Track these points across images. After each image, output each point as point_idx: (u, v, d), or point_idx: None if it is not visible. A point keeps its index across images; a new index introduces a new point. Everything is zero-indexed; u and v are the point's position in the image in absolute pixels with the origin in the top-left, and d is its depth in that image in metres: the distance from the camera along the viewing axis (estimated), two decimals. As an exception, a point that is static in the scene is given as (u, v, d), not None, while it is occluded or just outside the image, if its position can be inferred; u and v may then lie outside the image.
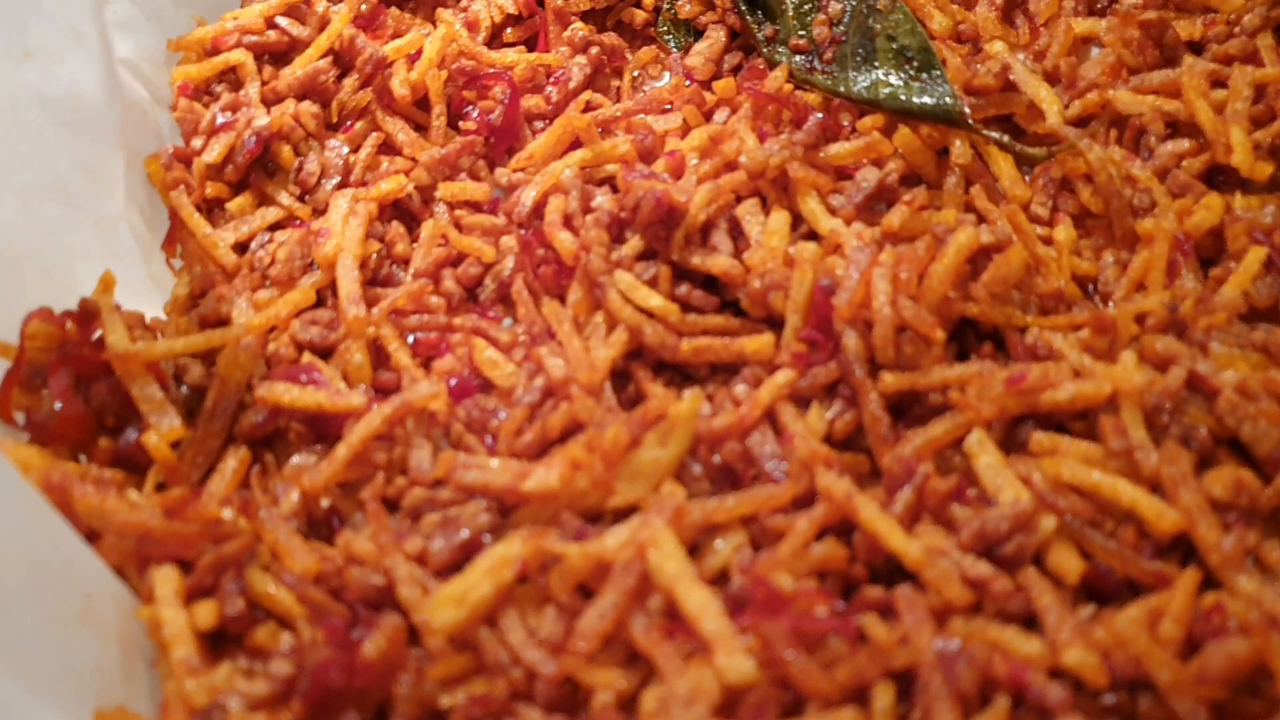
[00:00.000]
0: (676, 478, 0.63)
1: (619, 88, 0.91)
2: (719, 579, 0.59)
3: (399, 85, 0.83)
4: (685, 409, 0.62)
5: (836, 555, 0.59)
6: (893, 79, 0.81)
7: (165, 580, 0.57)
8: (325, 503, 0.65)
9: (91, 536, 0.59)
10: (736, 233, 0.76)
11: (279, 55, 0.87)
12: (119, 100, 0.77)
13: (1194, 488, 0.59)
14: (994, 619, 0.56)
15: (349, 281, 0.73)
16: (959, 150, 0.78)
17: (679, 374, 0.72)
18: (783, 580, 0.55)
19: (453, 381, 0.71)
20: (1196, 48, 0.85)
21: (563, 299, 0.74)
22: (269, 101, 0.84)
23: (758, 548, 0.61)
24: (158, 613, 0.56)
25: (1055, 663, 0.52)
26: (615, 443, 0.61)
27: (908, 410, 0.68)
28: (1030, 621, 0.56)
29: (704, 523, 0.60)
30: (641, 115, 0.85)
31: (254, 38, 0.85)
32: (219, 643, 0.59)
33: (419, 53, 0.86)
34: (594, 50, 0.89)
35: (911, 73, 0.81)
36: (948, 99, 0.78)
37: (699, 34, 0.92)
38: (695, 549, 0.61)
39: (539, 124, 0.87)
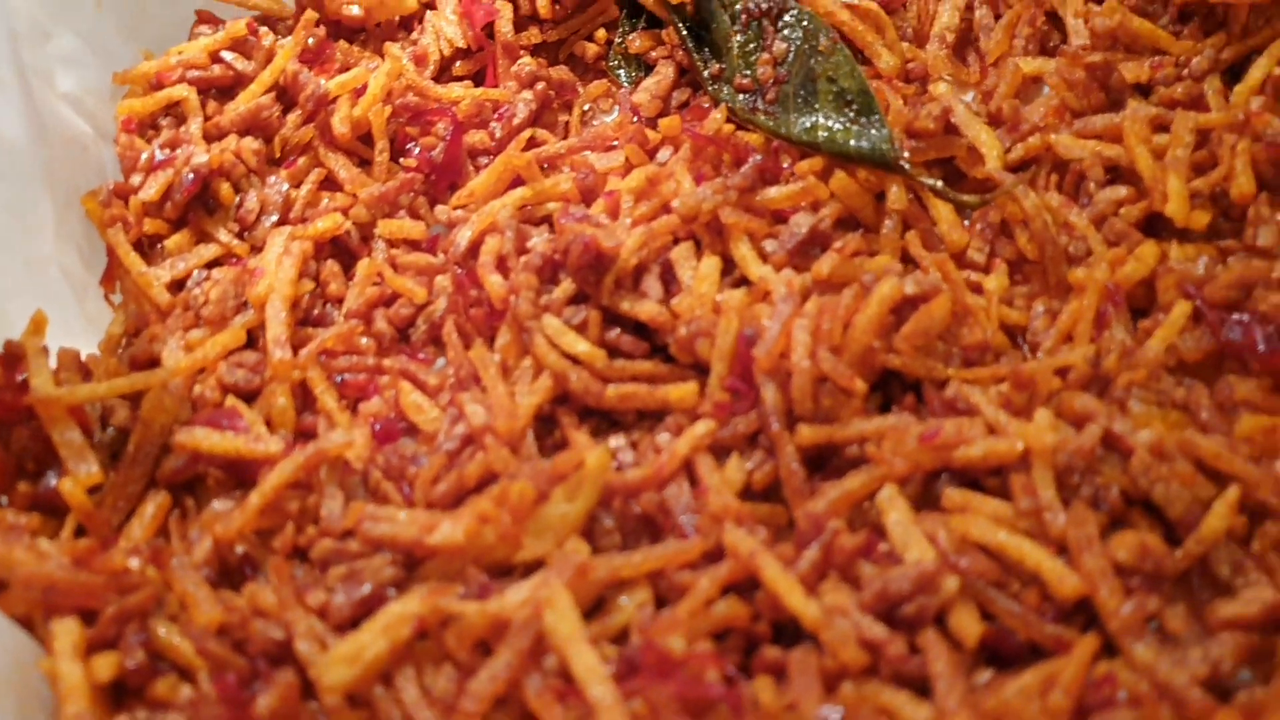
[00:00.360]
0: (588, 531, 0.64)
1: (568, 122, 0.91)
2: (619, 637, 0.59)
3: (339, 123, 0.83)
4: (593, 465, 0.62)
5: (738, 614, 0.59)
6: (832, 122, 0.81)
7: (65, 633, 0.58)
8: (240, 549, 0.65)
9: (-2, 586, 0.59)
10: (670, 276, 0.76)
11: (225, 89, 0.87)
12: (45, 142, 0.77)
13: (1098, 551, 0.58)
14: (889, 682, 0.56)
15: (276, 324, 0.74)
16: (895, 195, 0.78)
17: (606, 419, 0.72)
18: (674, 644, 0.55)
19: (378, 425, 0.71)
20: (1144, 90, 0.84)
21: (493, 341, 0.74)
22: (212, 137, 0.84)
23: (666, 603, 0.61)
24: (56, 666, 0.57)
25: (941, 733, 0.51)
26: (522, 497, 0.61)
27: (828, 462, 0.68)
28: (926, 685, 0.56)
29: (609, 579, 0.60)
30: (586, 152, 0.85)
31: (198, 73, 0.86)
32: (122, 694, 0.59)
33: (365, 87, 0.86)
34: (540, 86, 0.89)
35: (851, 116, 0.80)
36: (884, 144, 0.78)
37: (650, 68, 0.92)
38: (601, 604, 0.61)
39: (484, 159, 0.87)
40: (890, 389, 0.71)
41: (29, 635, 0.60)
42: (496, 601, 0.57)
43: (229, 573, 0.65)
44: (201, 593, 0.60)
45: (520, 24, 0.93)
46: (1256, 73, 0.80)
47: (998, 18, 0.90)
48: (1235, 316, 0.68)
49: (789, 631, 0.60)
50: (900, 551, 0.61)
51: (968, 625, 0.57)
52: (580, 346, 0.71)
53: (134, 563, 0.61)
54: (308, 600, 0.60)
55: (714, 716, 0.53)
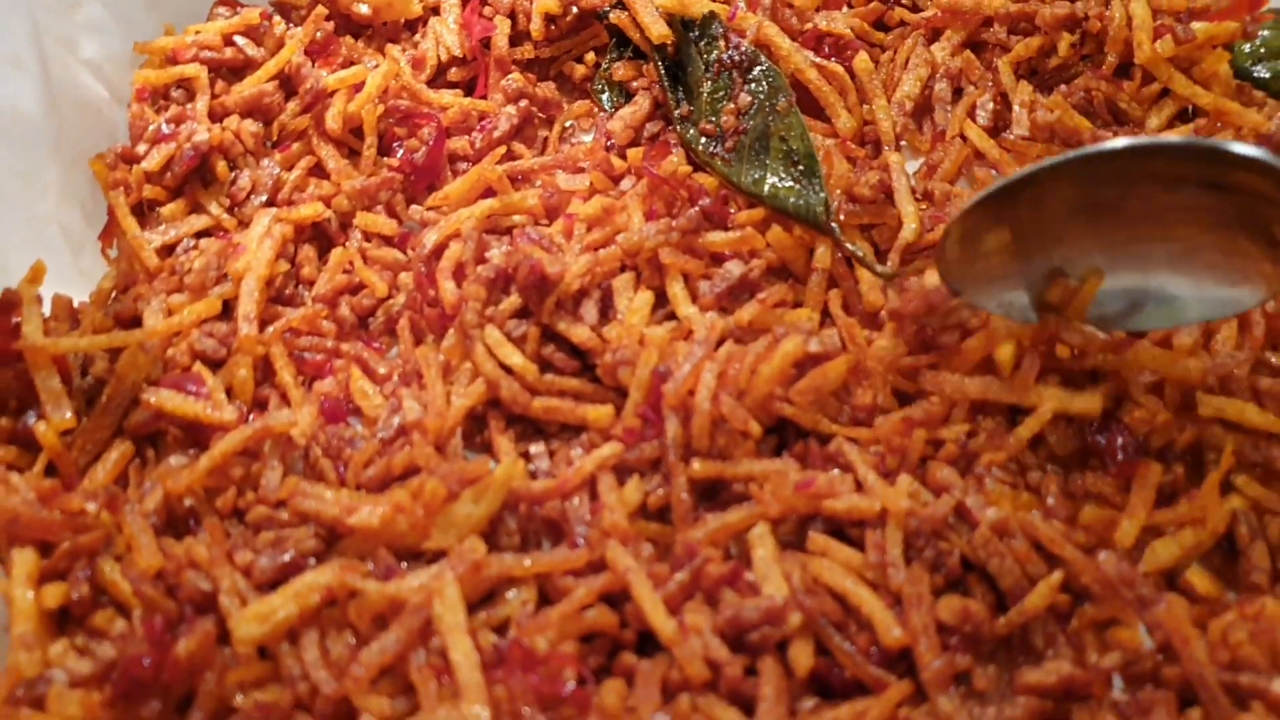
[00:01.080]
0: (493, 528, 0.72)
1: (547, 137, 0.98)
2: (502, 627, 0.67)
3: (331, 119, 0.91)
4: (499, 475, 0.70)
5: (607, 621, 0.67)
6: (777, 178, 0.88)
7: (22, 562, 0.66)
8: (187, 503, 0.74)
9: (-32, 514, 0.68)
10: (609, 303, 0.83)
11: (234, 70, 0.95)
12: (59, 111, 0.85)
13: (926, 609, 0.66)
14: (724, 698, 0.64)
15: (248, 301, 0.82)
16: (820, 255, 0.85)
17: (532, 427, 0.80)
18: (539, 643, 0.63)
19: (327, 404, 0.80)
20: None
21: (441, 341, 0.82)
22: (216, 115, 0.92)
23: (550, 602, 0.69)
24: (11, 589, 0.66)
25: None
26: (434, 494, 0.69)
27: (719, 493, 0.75)
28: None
29: (500, 576, 0.68)
30: (557, 171, 0.93)
31: (211, 54, 0.93)
32: (65, 620, 0.68)
33: (362, 85, 0.94)
34: (523, 103, 0.96)
35: (795, 175, 0.88)
36: (819, 207, 0.85)
37: (630, 96, 0.99)
38: (493, 595, 0.69)
39: (463, 165, 0.94)
40: (786, 434, 0.79)
41: (-8, 560, 0.68)
42: (395, 584, 0.66)
43: (175, 522, 0.73)
44: (145, 539, 0.69)
45: (516, 39, 1.00)
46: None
47: (957, 91, 0.97)
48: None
49: (652, 642, 0.68)
50: (760, 584, 0.69)
51: (802, 657, 0.65)
52: (515, 359, 0.79)
53: (91, 506, 0.69)
54: (236, 559, 0.69)
55: (563, 710, 0.61)
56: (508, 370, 0.79)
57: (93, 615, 0.67)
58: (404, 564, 0.70)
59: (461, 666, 0.61)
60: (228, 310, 0.84)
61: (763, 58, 0.92)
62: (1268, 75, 0.93)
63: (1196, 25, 0.90)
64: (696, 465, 0.73)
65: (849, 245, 0.85)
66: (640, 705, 0.61)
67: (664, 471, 0.75)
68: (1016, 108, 0.93)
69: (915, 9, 1.02)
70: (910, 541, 0.70)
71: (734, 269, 0.83)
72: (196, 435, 0.76)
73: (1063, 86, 0.93)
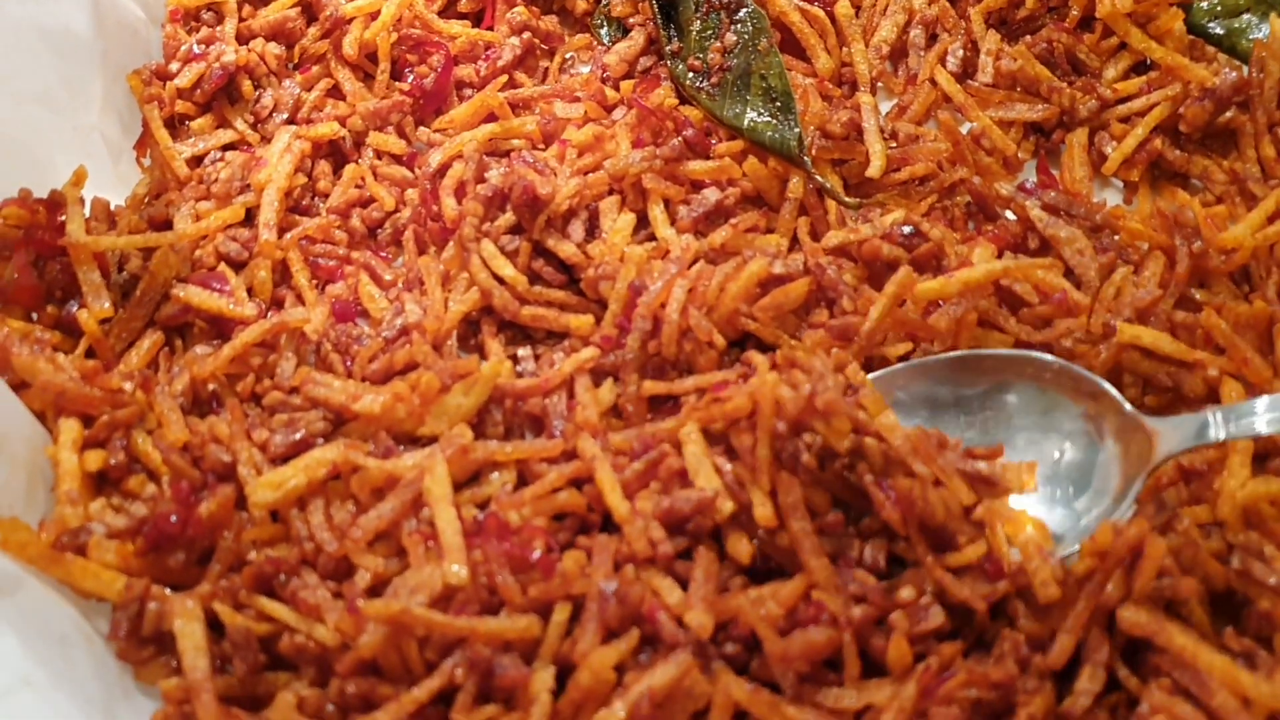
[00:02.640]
0: (480, 420, 0.81)
1: (548, 68, 1.06)
2: (485, 504, 0.77)
3: (348, 45, 0.98)
4: (486, 372, 0.79)
5: (575, 502, 0.76)
6: (756, 114, 0.95)
7: (68, 430, 0.76)
8: (211, 387, 0.83)
9: (21, 386, 0.77)
10: (596, 223, 0.91)
11: (260, -5, 1.03)
12: (104, 30, 0.94)
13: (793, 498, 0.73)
14: (665, 573, 0.72)
15: (269, 209, 0.90)
16: (793, 185, 0.92)
17: (521, 333, 0.89)
18: (513, 516, 0.72)
19: (338, 305, 0.89)
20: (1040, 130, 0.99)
21: (442, 252, 0.91)
22: (243, 37, 1.00)
23: (527, 484, 0.78)
24: (58, 453, 0.75)
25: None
26: (429, 386, 0.78)
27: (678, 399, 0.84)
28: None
29: (484, 460, 0.77)
30: (555, 100, 1.01)
31: (239, -21, 1.01)
32: (103, 483, 0.78)
33: (378, 13, 1.01)
34: (526, 35, 1.03)
35: (772, 111, 0.95)
36: (793, 141, 0.93)
37: (628, 31, 1.06)
38: (477, 477, 0.79)
39: (469, 91, 1.02)
40: (746, 346, 0.87)
41: (43, 426, 0.78)
42: (393, 462, 0.75)
43: (199, 403, 0.82)
44: (174, 416, 0.78)
45: (523, -28, 1.07)
46: (1130, 141, 0.94)
47: (932, 37, 1.04)
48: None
49: (614, 524, 0.77)
50: (692, 478, 0.76)
51: (739, 547, 0.73)
52: (507, 270, 0.87)
53: (127, 385, 0.79)
54: (253, 436, 0.78)
55: (531, 574, 0.70)
56: (500, 280, 0.87)
57: (127, 479, 0.77)
58: (401, 446, 0.78)
59: (445, 532, 0.70)
60: (250, 217, 0.92)
61: (749, 0, 1.00)
62: (1221, 32, 1.00)
63: (1154, -17, 0.97)
64: (647, 384, 0.81)
65: (819, 178, 0.92)
66: (594, 571, 0.70)
67: (623, 376, 0.83)
68: (983, 56, 1.00)
69: (899, -43, 1.08)
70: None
71: (710, 195, 0.91)
72: (220, 327, 0.86)
73: (1027, 37, 1.00)
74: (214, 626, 0.71)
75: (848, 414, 0.69)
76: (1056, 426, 0.76)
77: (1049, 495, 0.74)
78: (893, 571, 0.73)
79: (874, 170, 0.92)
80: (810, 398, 0.69)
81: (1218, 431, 0.71)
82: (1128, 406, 0.75)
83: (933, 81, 1.00)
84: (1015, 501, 0.73)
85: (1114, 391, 0.76)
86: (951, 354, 0.80)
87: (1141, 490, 0.72)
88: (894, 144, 0.96)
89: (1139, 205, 0.94)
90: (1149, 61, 0.99)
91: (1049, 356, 0.79)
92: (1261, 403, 0.71)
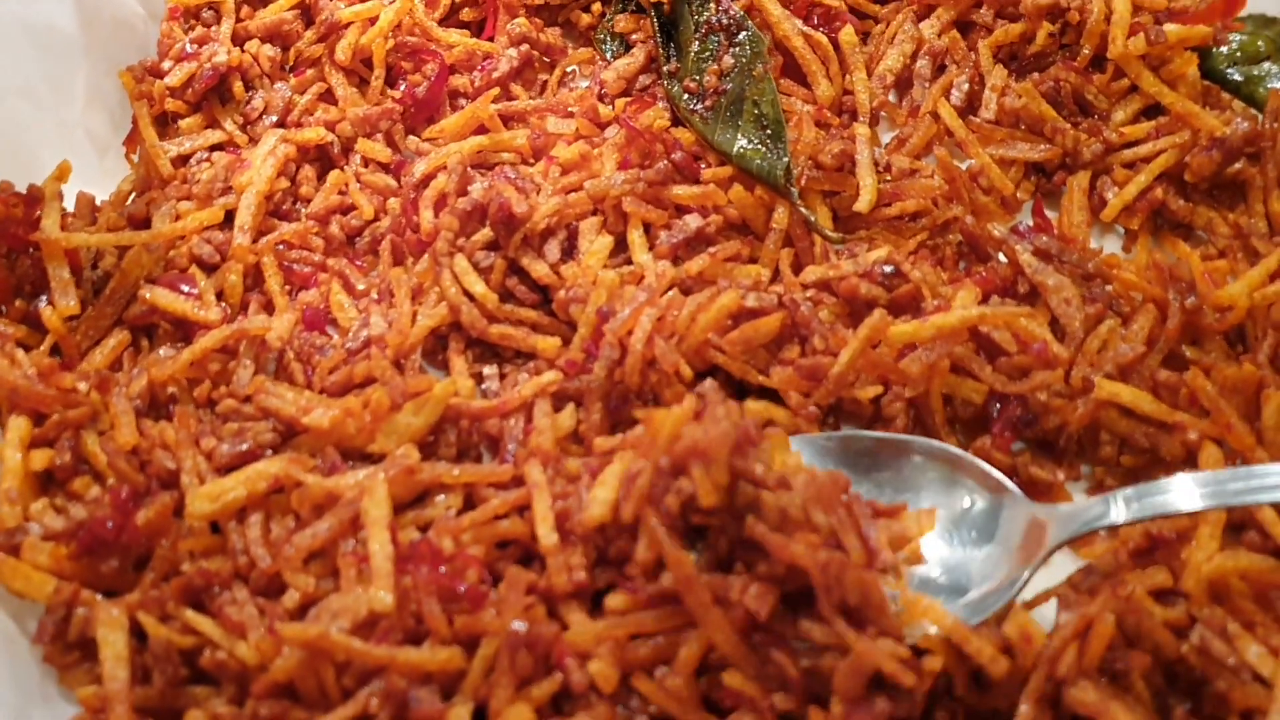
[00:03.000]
0: (433, 439, 0.80)
1: (546, 81, 1.05)
2: (427, 527, 0.75)
3: (342, 50, 0.98)
4: (438, 392, 0.78)
5: (517, 530, 0.74)
6: (746, 140, 0.93)
7: (15, 427, 0.76)
8: (170, 390, 0.82)
9: (-25, 381, 0.77)
10: (574, 243, 0.90)
11: (259, -4, 1.02)
12: (92, 25, 0.94)
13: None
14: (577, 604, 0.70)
15: (245, 213, 0.90)
16: (778, 216, 0.90)
17: (490, 350, 0.88)
18: (445, 543, 0.71)
19: (308, 312, 0.88)
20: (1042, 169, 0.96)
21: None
22: (239, 38, 0.99)
23: (473, 508, 0.77)
24: (2, 450, 0.75)
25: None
26: (379, 403, 0.77)
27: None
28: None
29: (431, 482, 0.76)
30: (548, 114, 0.99)
31: (239, -21, 1.01)
32: (49, 482, 0.77)
33: (377, 17, 1.01)
34: (524, 47, 1.02)
35: (763, 139, 0.93)
36: (780, 171, 0.91)
37: (630, 47, 1.05)
38: (425, 498, 0.77)
39: (464, 102, 1.01)
40: (718, 379, 0.85)
41: (-7, 422, 0.78)
42: (334, 480, 0.74)
43: (156, 406, 0.82)
44: (126, 419, 0.78)
45: (527, -16, 1.06)
46: (1132, 187, 0.91)
47: (940, 68, 1.02)
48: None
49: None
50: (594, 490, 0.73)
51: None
52: (477, 287, 0.86)
53: (82, 385, 0.78)
54: (201, 444, 0.77)
55: (459, 604, 0.69)
56: (470, 297, 0.86)
57: (72, 480, 0.77)
58: (350, 463, 0.77)
59: (376, 556, 0.69)
60: (230, 220, 0.92)
61: (749, 24, 0.98)
62: (1240, 79, 0.96)
63: (1169, 27, 0.93)
64: (598, 441, 0.79)
65: (803, 209, 0.90)
66: (503, 609, 0.67)
67: (586, 403, 0.81)
68: (988, 91, 0.97)
69: (912, -18, 1.06)
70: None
71: (691, 222, 0.89)
72: (185, 330, 0.85)
73: (1035, 75, 0.97)
74: (141, 636, 0.70)
75: (735, 465, 0.66)
76: (962, 483, 0.74)
77: (949, 539, 0.72)
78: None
79: (863, 205, 0.90)
80: (696, 441, 0.66)
81: (1118, 514, 0.68)
82: (1018, 494, 0.73)
83: (935, 115, 0.97)
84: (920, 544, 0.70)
85: (1008, 483, 0.73)
86: (842, 434, 0.78)
87: (1029, 579, 0.69)
88: (888, 177, 0.93)
89: (1137, 255, 0.90)
90: (1160, 106, 0.95)
91: (948, 447, 0.76)
92: (1176, 481, 0.68)
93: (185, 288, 0.86)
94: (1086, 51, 0.96)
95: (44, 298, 0.85)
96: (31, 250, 0.85)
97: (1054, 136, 0.94)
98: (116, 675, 0.67)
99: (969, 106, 0.99)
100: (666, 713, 0.67)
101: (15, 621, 0.69)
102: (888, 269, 0.86)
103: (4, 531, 0.71)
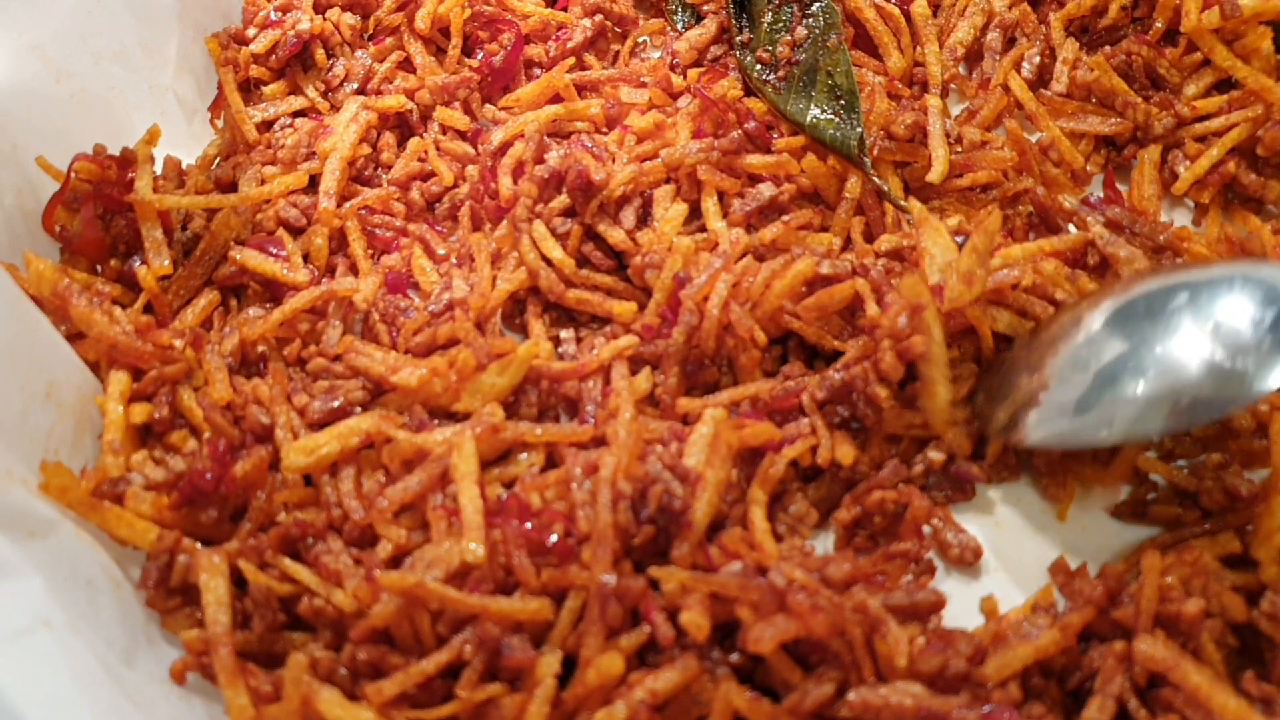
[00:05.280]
0: (515, 399, 0.82)
1: (619, 51, 1.06)
2: (511, 483, 0.78)
3: (421, 19, 1.00)
4: (521, 353, 0.80)
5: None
6: (820, 110, 0.94)
7: (117, 381, 0.79)
8: (260, 349, 0.85)
9: (77, 336, 0.80)
10: (648, 211, 0.92)
11: (341, -34, 1.04)
12: (181, 0, 0.96)
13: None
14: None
15: (330, 178, 0.92)
16: (851, 185, 0.91)
17: (566, 314, 0.90)
18: (533, 498, 0.73)
19: (391, 276, 0.90)
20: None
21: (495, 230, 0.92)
22: (320, 6, 1.02)
23: (554, 467, 0.79)
24: (106, 403, 0.78)
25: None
26: (465, 364, 0.79)
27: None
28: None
29: (514, 440, 0.78)
30: (621, 84, 1.01)
31: (321, -52, 1.02)
32: (148, 435, 0.80)
33: (455, -13, 1.03)
34: (598, 17, 1.04)
35: (836, 109, 0.94)
36: (853, 141, 0.92)
37: (701, 18, 1.06)
38: (508, 455, 0.80)
39: (538, 71, 1.03)
40: (789, 344, 0.87)
41: (95, 376, 0.81)
42: (423, 436, 0.76)
43: (248, 364, 0.85)
44: (220, 375, 0.81)
45: (601, -45, 1.08)
46: (1204, 161, 0.92)
47: (1010, 41, 1.02)
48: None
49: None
50: (685, 459, 0.75)
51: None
52: (555, 252, 0.88)
53: (178, 342, 0.81)
54: (294, 400, 0.80)
55: (547, 558, 0.71)
56: (548, 262, 0.88)
57: (170, 433, 0.79)
58: (436, 420, 0.80)
59: (467, 510, 0.72)
60: (314, 184, 0.94)
61: (822, -6, 0.99)
62: (1314, 53, 0.96)
63: (1244, 0, 0.93)
64: (682, 402, 0.81)
65: (876, 179, 0.91)
66: (594, 565, 0.70)
67: (663, 367, 0.83)
68: (1059, 64, 0.98)
69: (984, -44, 1.06)
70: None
71: (765, 190, 0.91)
72: (273, 291, 0.88)
73: (1107, 48, 0.98)
74: (240, 583, 0.73)
75: None
76: None
77: None
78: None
79: (935, 175, 0.91)
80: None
81: None
82: None
83: (1005, 87, 0.98)
84: None
85: None
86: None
87: None
88: (959, 149, 0.94)
89: (1207, 228, 0.91)
90: (1232, 80, 0.95)
91: None
92: None
93: (273, 250, 0.88)
94: (1159, 25, 0.97)
95: (137, 258, 0.87)
96: (125, 211, 0.87)
97: (1125, 110, 0.94)
98: (219, 620, 0.70)
99: (1040, 79, 1.00)
100: (748, 664, 0.69)
101: (120, 568, 0.72)
102: (959, 239, 0.87)
103: (108, 481, 0.74)
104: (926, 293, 0.76)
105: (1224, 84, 0.96)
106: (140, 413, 0.79)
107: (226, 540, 0.74)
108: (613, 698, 0.66)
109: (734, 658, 0.70)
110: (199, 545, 0.73)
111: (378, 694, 0.67)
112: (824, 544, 0.79)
